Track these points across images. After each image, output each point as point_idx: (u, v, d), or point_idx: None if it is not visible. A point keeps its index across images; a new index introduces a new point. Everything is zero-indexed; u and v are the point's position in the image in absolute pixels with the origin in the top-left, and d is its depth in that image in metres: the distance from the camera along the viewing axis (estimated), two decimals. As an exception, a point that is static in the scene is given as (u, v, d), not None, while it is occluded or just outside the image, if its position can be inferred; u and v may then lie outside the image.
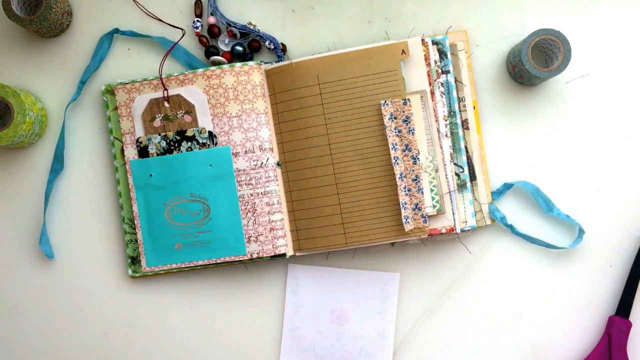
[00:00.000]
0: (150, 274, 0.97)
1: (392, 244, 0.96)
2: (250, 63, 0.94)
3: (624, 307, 0.94)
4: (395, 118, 0.91)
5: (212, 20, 0.98)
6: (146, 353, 1.00)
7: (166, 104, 0.95)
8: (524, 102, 0.97)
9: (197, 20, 0.98)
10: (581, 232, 0.95)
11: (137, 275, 0.98)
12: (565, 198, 0.96)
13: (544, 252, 0.96)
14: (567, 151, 0.96)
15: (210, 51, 0.98)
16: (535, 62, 0.95)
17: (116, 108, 0.97)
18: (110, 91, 0.98)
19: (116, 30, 0.99)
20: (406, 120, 0.91)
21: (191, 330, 0.99)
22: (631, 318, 0.95)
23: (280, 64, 0.94)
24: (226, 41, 0.99)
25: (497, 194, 0.96)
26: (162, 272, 0.97)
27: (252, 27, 0.98)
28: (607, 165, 0.96)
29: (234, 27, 0.98)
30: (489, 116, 0.97)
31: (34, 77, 1.00)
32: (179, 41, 0.97)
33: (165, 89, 0.95)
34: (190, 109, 0.95)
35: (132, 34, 0.99)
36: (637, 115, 0.96)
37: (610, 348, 0.94)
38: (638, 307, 0.95)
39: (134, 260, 0.98)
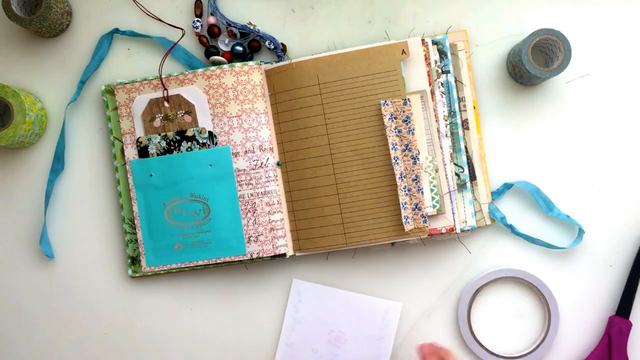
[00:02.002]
0: (150, 274, 0.97)
1: (392, 244, 0.96)
2: (250, 63, 0.94)
3: (624, 307, 0.94)
4: (395, 118, 0.91)
5: (212, 20, 0.98)
6: (146, 353, 1.00)
7: (166, 104, 0.95)
8: (524, 102, 0.97)
9: (197, 20, 0.98)
10: (581, 232, 0.95)
11: (137, 275, 0.98)
12: (565, 198, 0.96)
13: (544, 252, 0.96)
14: (567, 151, 0.96)
15: (210, 51, 0.98)
16: (535, 62, 0.95)
17: (116, 108, 0.97)
18: (110, 91, 0.98)
19: (116, 30, 0.99)
20: (406, 120, 0.91)
21: (191, 330, 0.99)
22: (631, 318, 0.95)
23: (280, 64, 0.94)
24: (226, 41, 0.99)
25: (497, 194, 0.95)
26: (162, 272, 0.97)
27: (252, 27, 0.98)
28: (607, 165, 0.96)
29: (234, 27, 0.98)
30: (489, 116, 0.97)
31: (34, 77, 1.00)
32: (179, 41, 0.97)
33: (165, 89, 0.95)
34: (190, 109, 0.95)
35: (132, 34, 0.99)
36: (637, 115, 0.96)
37: (611, 348, 0.94)
38: (638, 307, 0.95)
39: (134, 260, 0.98)
